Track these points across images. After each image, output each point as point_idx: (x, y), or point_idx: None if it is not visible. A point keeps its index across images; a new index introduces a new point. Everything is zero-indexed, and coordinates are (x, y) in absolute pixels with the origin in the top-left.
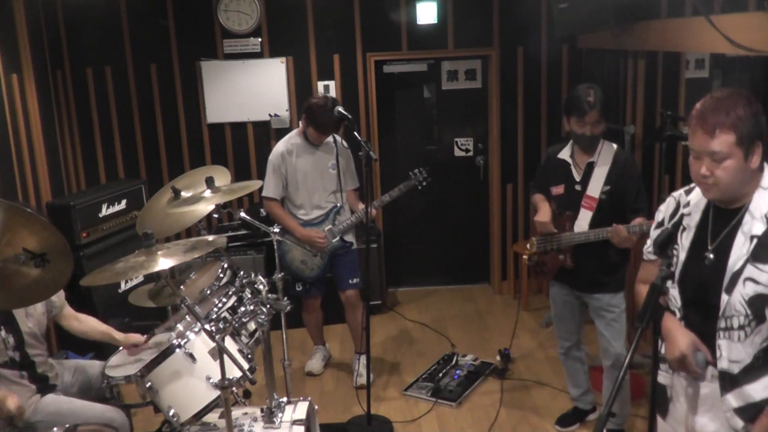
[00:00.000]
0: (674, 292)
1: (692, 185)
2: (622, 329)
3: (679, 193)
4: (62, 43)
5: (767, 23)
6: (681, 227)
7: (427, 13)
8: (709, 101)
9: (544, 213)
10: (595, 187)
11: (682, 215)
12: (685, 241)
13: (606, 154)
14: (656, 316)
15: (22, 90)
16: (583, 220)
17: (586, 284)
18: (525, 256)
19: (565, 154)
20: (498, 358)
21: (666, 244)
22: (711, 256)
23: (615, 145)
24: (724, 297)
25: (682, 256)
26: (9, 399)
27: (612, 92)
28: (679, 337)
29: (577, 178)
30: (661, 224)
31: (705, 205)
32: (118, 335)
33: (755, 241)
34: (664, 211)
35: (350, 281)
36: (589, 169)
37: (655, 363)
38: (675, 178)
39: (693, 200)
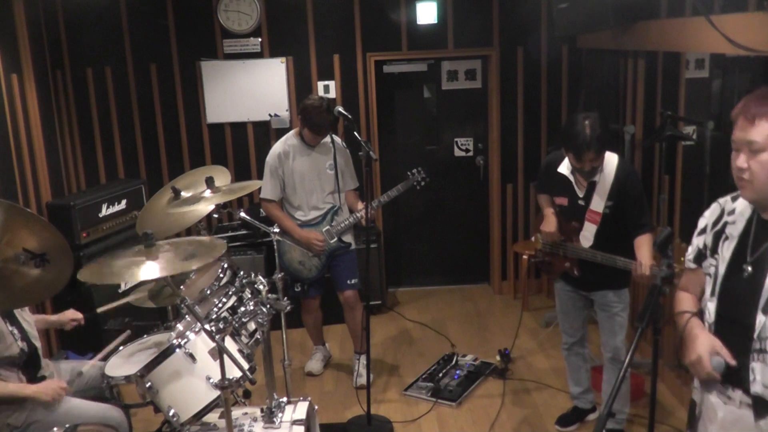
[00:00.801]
0: (711, 306)
1: (739, 192)
2: (623, 323)
3: (725, 199)
4: (62, 43)
5: (767, 23)
6: (723, 236)
7: (427, 13)
8: (754, 93)
9: (549, 223)
10: (598, 203)
11: (726, 223)
12: (726, 252)
13: (607, 171)
14: (656, 316)
15: (22, 90)
16: (588, 232)
17: (591, 285)
18: (525, 256)
19: (565, 169)
20: (498, 358)
21: (665, 243)
22: (749, 269)
23: (616, 157)
24: (760, 317)
25: (722, 268)
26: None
27: (612, 92)
28: (700, 339)
29: (580, 194)
30: (703, 231)
31: (750, 214)
32: (52, 317)
33: None
34: (708, 217)
35: (348, 282)
36: (591, 186)
37: (655, 365)
38: (675, 179)
39: (738, 208)
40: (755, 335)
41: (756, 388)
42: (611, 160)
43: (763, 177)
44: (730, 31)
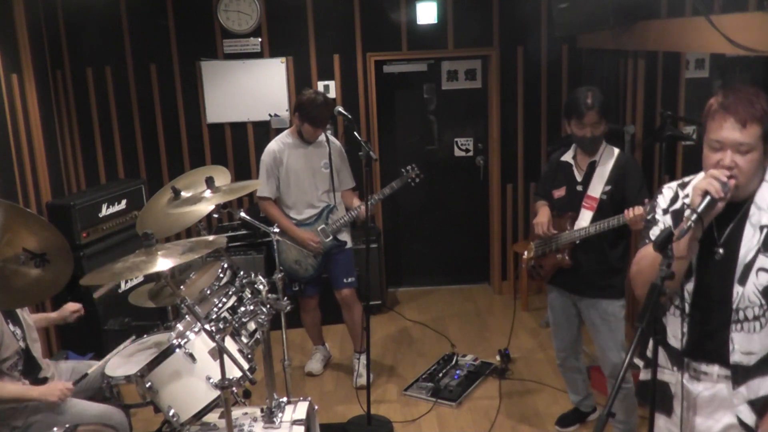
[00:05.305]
0: (689, 286)
1: (685, 180)
2: (620, 339)
3: (673, 184)
4: (62, 43)
5: (767, 23)
6: (684, 216)
7: (427, 13)
8: (734, 93)
9: (543, 214)
10: (597, 187)
11: (684, 204)
12: None
13: (608, 154)
14: (656, 315)
15: (22, 90)
16: (583, 221)
17: (584, 286)
18: (523, 265)
19: (567, 156)
20: (498, 358)
21: (666, 243)
22: (720, 250)
23: (617, 150)
24: (738, 289)
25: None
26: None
27: (612, 92)
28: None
29: (579, 178)
30: (665, 211)
31: None
32: (53, 314)
33: (765, 231)
34: (665, 197)
35: (345, 280)
36: (591, 169)
37: (654, 364)
38: (675, 178)
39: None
40: (734, 307)
41: (735, 357)
42: (613, 150)
43: (749, 172)
44: (730, 31)
